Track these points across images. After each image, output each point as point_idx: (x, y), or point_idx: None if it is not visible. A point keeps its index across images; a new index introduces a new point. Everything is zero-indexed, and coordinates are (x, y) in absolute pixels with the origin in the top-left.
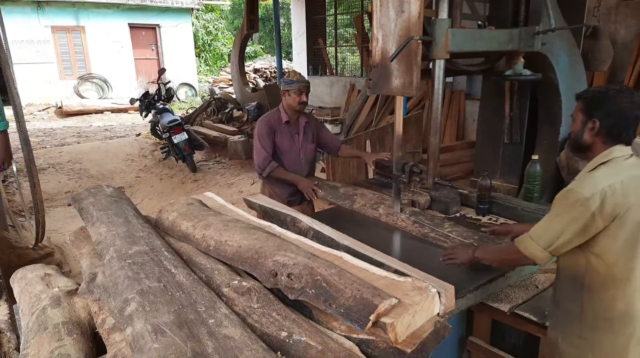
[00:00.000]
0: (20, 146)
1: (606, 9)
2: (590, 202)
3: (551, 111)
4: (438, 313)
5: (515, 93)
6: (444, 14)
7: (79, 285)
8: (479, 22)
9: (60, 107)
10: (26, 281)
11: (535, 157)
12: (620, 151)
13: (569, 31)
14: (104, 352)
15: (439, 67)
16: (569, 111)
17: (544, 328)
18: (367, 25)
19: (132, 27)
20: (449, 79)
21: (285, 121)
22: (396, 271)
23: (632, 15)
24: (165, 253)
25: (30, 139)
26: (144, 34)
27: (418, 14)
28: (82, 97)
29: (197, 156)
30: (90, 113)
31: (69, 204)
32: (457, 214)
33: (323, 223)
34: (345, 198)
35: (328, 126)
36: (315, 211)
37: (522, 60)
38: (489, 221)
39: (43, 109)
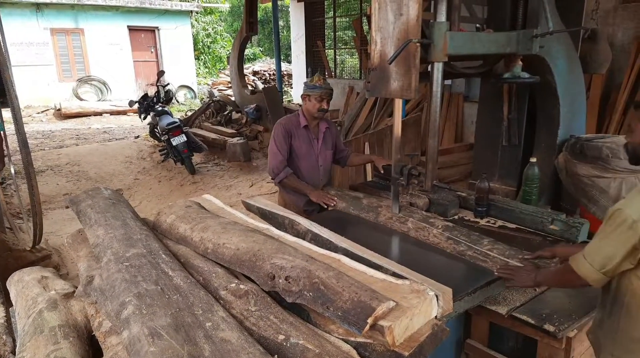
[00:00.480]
0: (18, 148)
1: (604, 12)
2: (638, 225)
3: (549, 113)
4: (436, 316)
5: (514, 96)
6: (442, 16)
7: (76, 287)
8: (477, 25)
9: (59, 110)
10: (23, 284)
11: (533, 160)
12: None
13: (567, 34)
14: (101, 355)
15: (438, 69)
16: (567, 114)
17: (541, 330)
18: (365, 28)
19: (131, 29)
20: (447, 82)
21: (304, 126)
22: (394, 274)
23: (630, 18)
24: (163, 255)
25: (28, 141)
26: (143, 37)
27: (416, 17)
28: (81, 99)
29: (196, 158)
30: (89, 115)
31: (67, 207)
32: (456, 217)
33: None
34: (368, 210)
35: None
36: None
37: (520, 63)
38: (487, 224)
39: (42, 112)
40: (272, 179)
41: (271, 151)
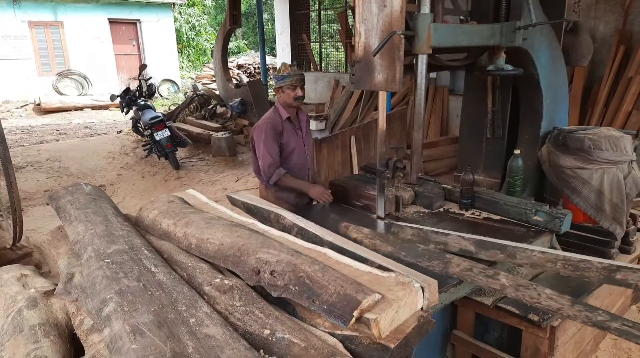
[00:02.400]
0: None
1: (586, 5)
2: None
3: (533, 106)
4: (422, 308)
5: (498, 88)
6: (426, 8)
7: (57, 285)
8: (461, 17)
9: (38, 104)
10: (1, 282)
11: (517, 152)
12: None
13: (549, 27)
14: (83, 353)
15: (422, 62)
16: (550, 106)
17: (526, 320)
18: (351, 21)
19: (112, 22)
20: (433, 75)
21: (287, 118)
22: (380, 267)
23: (611, 11)
24: (145, 251)
25: (7, 136)
26: (125, 29)
27: (400, 9)
28: (61, 94)
29: (180, 153)
30: (70, 110)
31: (48, 204)
32: (441, 209)
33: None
34: (431, 258)
35: (313, 122)
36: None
37: (504, 55)
38: (471, 216)
39: (21, 107)
40: (265, 180)
41: (261, 154)
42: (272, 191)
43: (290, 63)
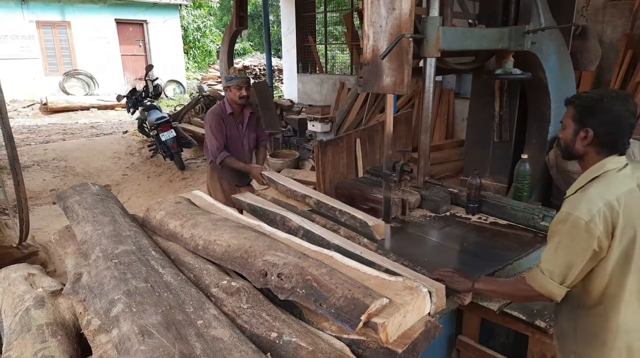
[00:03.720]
0: (3, 143)
1: (594, 9)
2: (591, 225)
3: (540, 110)
4: (429, 313)
5: (505, 92)
6: (435, 11)
7: (64, 285)
8: (470, 21)
9: (45, 104)
10: (9, 282)
11: (524, 156)
12: (613, 162)
13: (558, 31)
14: (89, 353)
15: (430, 65)
16: (558, 111)
17: (532, 326)
18: (357, 23)
19: (118, 22)
20: (439, 78)
21: (230, 113)
22: (387, 271)
23: (619, 15)
24: (153, 252)
25: (14, 136)
26: (131, 30)
27: (409, 12)
28: (68, 93)
29: (186, 154)
30: (76, 110)
31: (54, 203)
32: (447, 213)
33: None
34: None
35: (318, 124)
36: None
37: (512, 59)
38: (478, 220)
39: (28, 106)
40: (211, 161)
41: (208, 138)
42: (216, 172)
43: (239, 68)
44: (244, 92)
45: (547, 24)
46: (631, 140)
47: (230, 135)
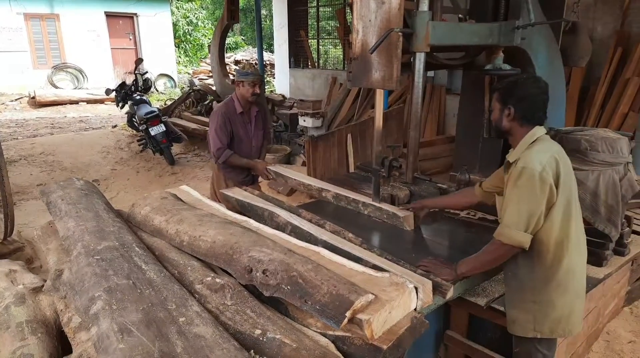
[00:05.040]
0: None
1: (585, 6)
2: (544, 174)
3: None
4: (415, 309)
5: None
6: (424, 6)
7: (46, 281)
8: (460, 16)
9: (33, 98)
10: None
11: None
12: (540, 130)
13: (548, 26)
14: (71, 351)
15: (420, 60)
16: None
17: None
18: (349, 18)
19: (108, 15)
20: (430, 74)
21: (240, 112)
22: (374, 266)
23: (610, 12)
24: (137, 248)
25: (0, 129)
26: (121, 23)
27: (398, 6)
28: (57, 87)
29: (176, 148)
30: (65, 104)
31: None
32: (436, 209)
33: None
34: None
35: (309, 120)
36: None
37: (502, 54)
38: (467, 216)
39: (15, 99)
40: (215, 161)
41: (212, 137)
42: (222, 172)
43: (254, 64)
44: (257, 90)
45: (537, 19)
46: (619, 136)
47: (239, 135)
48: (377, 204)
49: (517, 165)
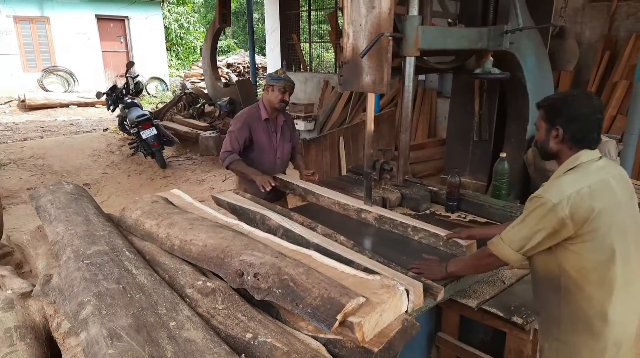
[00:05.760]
0: None
1: (572, 10)
2: (558, 208)
3: (519, 109)
4: (406, 311)
5: (485, 92)
6: (414, 10)
7: (35, 286)
8: (449, 20)
9: (23, 101)
10: None
11: (503, 155)
12: (586, 155)
13: (536, 31)
14: (60, 357)
15: (409, 64)
16: (536, 110)
17: (510, 323)
18: (341, 22)
19: (99, 18)
20: (421, 77)
21: (265, 119)
22: (365, 269)
23: (597, 16)
24: (127, 253)
25: None
26: (112, 26)
27: (389, 10)
28: (47, 90)
29: (167, 152)
30: (55, 107)
31: None
32: (427, 212)
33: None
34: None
35: (301, 123)
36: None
37: (491, 59)
38: (457, 218)
39: (5, 103)
40: (221, 163)
41: (225, 139)
42: (243, 184)
43: (284, 70)
44: (286, 97)
45: (526, 24)
46: (607, 139)
47: (260, 144)
48: (431, 230)
49: (538, 190)
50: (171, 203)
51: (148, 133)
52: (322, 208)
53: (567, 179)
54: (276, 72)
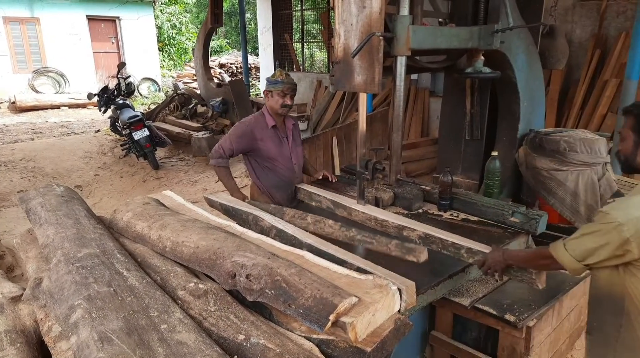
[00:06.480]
0: None
1: (563, 9)
2: (624, 228)
3: (510, 108)
4: (399, 310)
5: (476, 91)
6: (405, 10)
7: (25, 290)
8: (440, 20)
9: (13, 103)
10: None
11: (494, 153)
12: None
13: (527, 30)
14: None
15: (401, 64)
16: (527, 108)
17: (502, 321)
18: (333, 21)
19: (90, 19)
20: (414, 77)
21: (272, 126)
22: (358, 269)
23: (587, 15)
24: (118, 255)
25: None
26: (104, 27)
27: (380, 10)
28: (37, 91)
29: (160, 153)
30: (46, 108)
31: None
32: (420, 211)
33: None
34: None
35: None
36: None
37: (482, 58)
38: (450, 217)
39: None
40: (210, 161)
41: (221, 142)
42: (256, 189)
43: (285, 71)
44: (287, 101)
45: (516, 23)
46: (597, 137)
47: (271, 154)
48: (476, 248)
49: (605, 206)
50: (163, 204)
51: (140, 134)
52: (314, 207)
53: (637, 200)
54: (273, 75)
